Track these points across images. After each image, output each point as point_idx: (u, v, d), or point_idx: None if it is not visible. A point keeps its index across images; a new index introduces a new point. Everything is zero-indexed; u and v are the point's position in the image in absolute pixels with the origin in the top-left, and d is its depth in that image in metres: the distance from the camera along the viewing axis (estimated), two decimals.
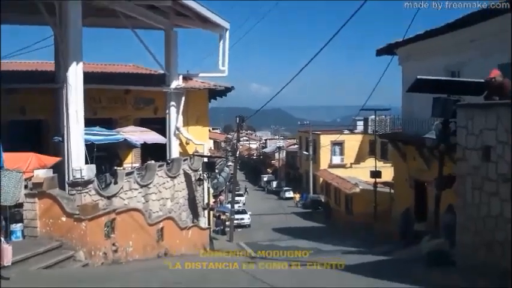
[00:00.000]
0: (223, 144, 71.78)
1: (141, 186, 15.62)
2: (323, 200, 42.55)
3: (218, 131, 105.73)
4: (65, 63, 13.32)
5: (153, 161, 17.37)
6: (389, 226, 22.08)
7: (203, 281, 8.26)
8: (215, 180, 24.83)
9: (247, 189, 61.02)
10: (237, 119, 24.54)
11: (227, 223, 27.07)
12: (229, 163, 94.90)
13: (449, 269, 8.22)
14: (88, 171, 12.87)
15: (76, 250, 10.75)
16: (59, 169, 13.12)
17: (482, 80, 8.41)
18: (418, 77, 8.79)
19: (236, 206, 37.62)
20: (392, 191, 24.83)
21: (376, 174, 26.05)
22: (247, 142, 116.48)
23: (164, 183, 17.63)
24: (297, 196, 47.50)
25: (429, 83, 9.06)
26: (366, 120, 51.78)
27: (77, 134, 13.34)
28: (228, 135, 70.89)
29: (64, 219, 11.05)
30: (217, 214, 27.84)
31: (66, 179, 13.19)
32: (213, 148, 61.80)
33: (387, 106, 27.72)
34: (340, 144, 48.84)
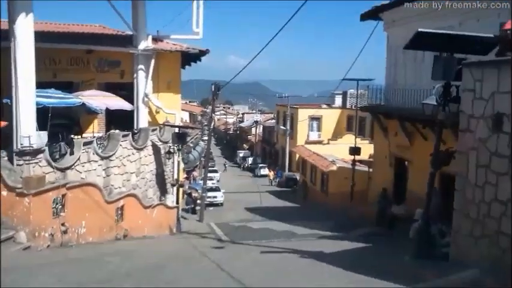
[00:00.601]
0: (199, 118, 69.86)
1: (102, 158, 14.08)
2: (298, 178, 41.60)
3: (196, 103, 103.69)
4: (12, 15, 11.60)
5: (117, 130, 15.81)
6: (366, 208, 21.19)
7: (159, 272, 6.98)
8: (189, 155, 23.33)
9: (226, 166, 59.47)
10: (212, 86, 22.82)
11: (198, 201, 25.79)
12: (205, 137, 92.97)
13: (442, 263, 7.16)
14: (38, 138, 11.29)
15: (17, 230, 9.32)
16: (8, 136, 11.56)
17: (492, 35, 7.18)
18: (419, 29, 7.51)
19: (210, 183, 36.30)
20: (371, 169, 23.91)
21: (355, 150, 24.94)
22: (224, 116, 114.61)
23: (129, 155, 16.10)
24: (272, 174, 46.10)
25: (431, 38, 7.78)
26: (344, 94, 50.92)
27: (26, 96, 11.66)
28: (205, 109, 68.72)
29: (5, 193, 9.55)
30: (189, 191, 26.34)
31: (14, 147, 11.61)
32: (188, 121, 60.23)
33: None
34: (318, 119, 47.78)
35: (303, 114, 46.79)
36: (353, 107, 49.57)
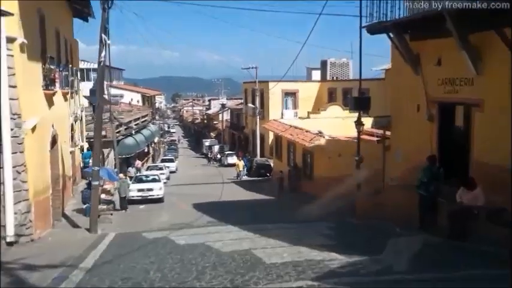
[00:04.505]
0: (158, 101, 60.06)
1: None
2: (272, 165, 32.76)
3: (163, 96, 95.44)
4: None
5: None
6: (389, 196, 12.25)
7: None
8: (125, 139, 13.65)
9: (212, 157, 50.74)
10: None
11: (110, 198, 16.16)
12: (173, 130, 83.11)
13: None
14: None
15: None
16: None
17: None
18: None
19: (158, 173, 27.18)
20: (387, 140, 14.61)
21: (363, 101, 14.90)
22: (191, 108, 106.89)
23: None
24: (240, 164, 35.94)
25: None
26: (324, 64, 41.90)
27: None
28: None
29: None
30: (88, 180, 15.99)
31: None
32: (140, 102, 50.68)
33: None
34: (294, 94, 38.78)
35: (275, 87, 37.46)
36: (335, 79, 40.78)
